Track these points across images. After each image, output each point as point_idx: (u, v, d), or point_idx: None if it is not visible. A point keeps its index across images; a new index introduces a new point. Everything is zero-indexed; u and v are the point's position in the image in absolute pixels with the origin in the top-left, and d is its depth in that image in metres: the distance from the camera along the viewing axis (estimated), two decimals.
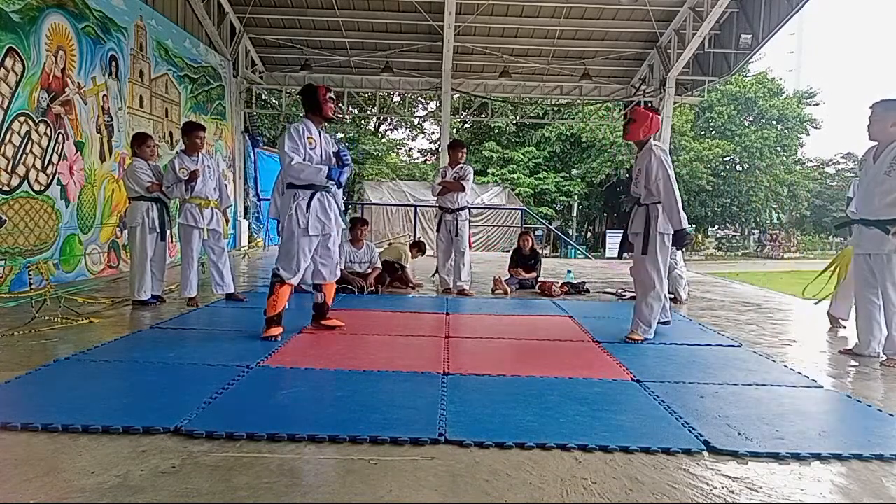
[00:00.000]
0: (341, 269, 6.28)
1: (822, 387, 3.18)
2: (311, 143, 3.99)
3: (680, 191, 4.14)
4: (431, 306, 5.63)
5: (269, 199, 6.89)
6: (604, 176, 26.07)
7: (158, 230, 5.24)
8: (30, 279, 5.52)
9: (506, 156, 26.28)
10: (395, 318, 4.92)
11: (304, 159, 3.93)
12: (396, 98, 20.36)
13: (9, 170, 5.87)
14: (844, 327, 4.89)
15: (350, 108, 18.42)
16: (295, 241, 3.99)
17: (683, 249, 5.49)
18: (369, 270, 6.38)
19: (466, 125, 27.25)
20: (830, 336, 4.72)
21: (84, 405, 2.56)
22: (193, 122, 5.59)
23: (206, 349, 3.68)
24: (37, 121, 6.26)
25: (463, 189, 6.40)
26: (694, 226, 32.21)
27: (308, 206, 3.98)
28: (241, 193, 12.73)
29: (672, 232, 4.13)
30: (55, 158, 6.54)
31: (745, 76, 29.94)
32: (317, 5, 11.57)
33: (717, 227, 34.74)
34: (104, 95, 7.49)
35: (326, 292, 4.33)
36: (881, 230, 3.72)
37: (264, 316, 4.03)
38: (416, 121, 28.35)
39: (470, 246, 7.17)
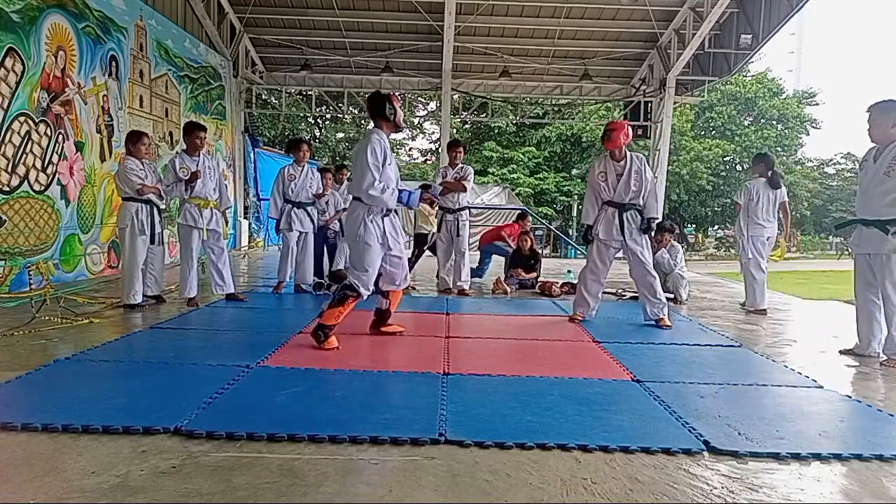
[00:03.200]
0: (341, 269, 6.30)
1: (822, 387, 3.18)
2: (388, 160, 3.78)
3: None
4: (431, 306, 5.63)
5: (268, 199, 6.89)
6: None
7: (148, 233, 5.12)
8: (30, 279, 5.51)
9: (506, 156, 26.28)
10: (394, 318, 4.90)
11: (381, 177, 3.71)
12: None
13: (9, 170, 5.88)
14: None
15: (350, 108, 18.41)
16: (372, 254, 3.78)
17: (683, 248, 6.12)
18: None
19: (466, 125, 27.24)
20: (830, 336, 4.72)
21: (84, 405, 2.56)
22: (194, 122, 5.58)
23: (206, 349, 3.68)
24: (37, 121, 6.26)
25: (464, 189, 6.40)
26: (694, 226, 32.24)
27: (383, 220, 3.82)
28: (241, 193, 12.73)
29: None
30: (55, 158, 6.54)
31: (745, 76, 29.92)
32: (317, 5, 11.57)
33: (717, 227, 34.69)
34: (104, 95, 7.49)
35: (392, 299, 4.15)
36: (881, 230, 3.72)
37: (320, 321, 3.76)
38: (416, 121, 28.34)
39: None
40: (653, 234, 5.03)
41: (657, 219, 4.87)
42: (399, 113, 3.88)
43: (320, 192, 6.26)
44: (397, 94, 3.93)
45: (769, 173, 5.88)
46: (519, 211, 9.14)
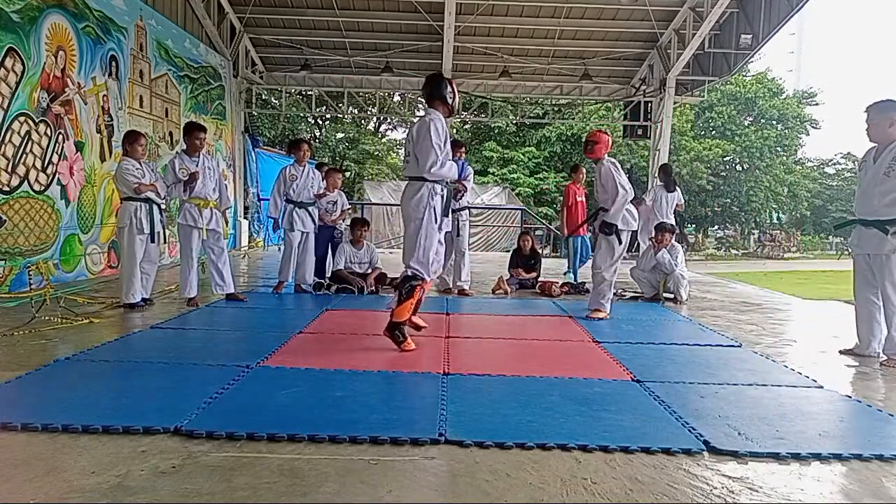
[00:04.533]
0: (341, 269, 6.30)
1: (822, 387, 3.18)
2: (448, 139, 3.88)
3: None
4: (431, 306, 5.63)
5: (268, 199, 6.89)
6: None
7: (147, 232, 5.09)
8: (30, 279, 5.51)
9: (506, 156, 26.26)
10: None
11: (443, 155, 3.79)
12: (396, 98, 20.35)
13: (9, 170, 5.87)
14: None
15: (350, 109, 18.41)
16: (434, 236, 3.80)
17: (684, 249, 6.39)
18: (369, 271, 6.39)
19: (466, 125, 27.24)
20: (830, 336, 4.72)
21: (84, 405, 2.56)
22: (194, 122, 5.58)
23: (206, 349, 3.68)
24: (37, 121, 6.25)
25: (465, 189, 6.40)
26: (694, 225, 32.26)
27: (442, 201, 3.82)
28: (240, 193, 12.73)
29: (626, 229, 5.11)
30: (55, 158, 6.54)
31: (745, 76, 29.91)
32: (317, 5, 11.56)
33: (717, 227, 34.70)
34: (104, 95, 7.49)
35: (425, 287, 4.05)
36: (880, 230, 3.72)
37: (393, 319, 3.71)
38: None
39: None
40: (608, 233, 5.06)
41: (614, 224, 4.97)
42: (457, 97, 3.96)
43: (321, 192, 6.26)
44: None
45: (667, 180, 7.49)
46: (572, 165, 9.27)
